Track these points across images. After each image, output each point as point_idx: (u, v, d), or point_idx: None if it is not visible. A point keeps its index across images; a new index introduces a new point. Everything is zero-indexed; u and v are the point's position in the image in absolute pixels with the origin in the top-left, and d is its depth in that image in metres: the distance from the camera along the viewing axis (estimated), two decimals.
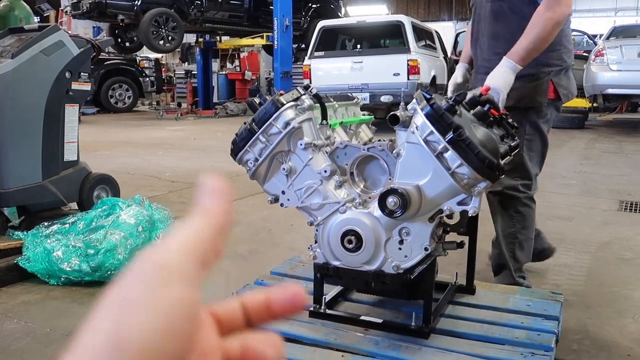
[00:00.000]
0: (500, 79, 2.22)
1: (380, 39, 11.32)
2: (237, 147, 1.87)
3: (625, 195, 4.85)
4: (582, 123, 11.38)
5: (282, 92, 1.87)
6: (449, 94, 2.53)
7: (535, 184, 2.55)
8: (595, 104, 12.35)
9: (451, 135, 1.57)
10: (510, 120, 1.99)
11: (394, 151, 1.71)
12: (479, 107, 1.75)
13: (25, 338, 2.20)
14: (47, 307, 2.49)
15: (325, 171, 1.81)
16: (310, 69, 9.95)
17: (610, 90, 9.78)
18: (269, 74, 17.23)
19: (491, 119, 1.77)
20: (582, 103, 13.15)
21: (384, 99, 9.39)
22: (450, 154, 1.59)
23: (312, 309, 2.01)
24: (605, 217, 4.14)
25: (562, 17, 2.24)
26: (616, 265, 3.08)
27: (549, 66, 2.41)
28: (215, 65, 17.55)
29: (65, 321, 2.34)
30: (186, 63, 19.30)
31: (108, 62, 14.88)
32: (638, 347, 2.12)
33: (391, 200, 1.64)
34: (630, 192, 4.95)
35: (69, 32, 3.69)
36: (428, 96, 1.63)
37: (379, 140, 1.88)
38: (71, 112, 3.62)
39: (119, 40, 12.99)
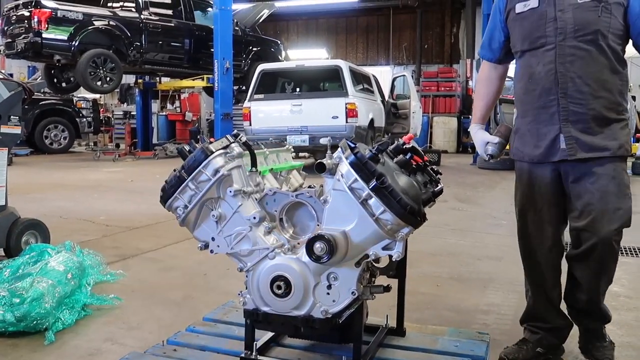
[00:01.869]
0: None
1: (319, 83, 11.54)
2: (167, 194, 1.89)
3: None
4: (513, 165, 11.80)
5: (212, 139, 1.91)
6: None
7: None
8: None
9: (374, 183, 1.63)
10: (433, 167, 2.08)
11: (321, 198, 1.76)
12: (401, 155, 1.82)
13: None
14: None
15: (255, 217, 1.84)
16: (250, 111, 10.02)
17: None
18: (210, 115, 17.23)
19: (414, 166, 1.85)
20: None
21: (323, 141, 9.50)
22: (374, 201, 1.65)
23: (243, 355, 2.00)
24: None
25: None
26: None
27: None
28: (155, 106, 17.43)
29: None
30: (125, 104, 19.07)
31: (43, 102, 14.54)
32: None
33: (318, 246, 1.68)
34: None
35: (3, 71, 3.62)
36: (352, 145, 1.70)
37: (310, 186, 1.92)
38: None
39: (55, 80, 12.75)
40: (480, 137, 2.42)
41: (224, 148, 1.86)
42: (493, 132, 2.42)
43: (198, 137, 16.07)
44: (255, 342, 2.01)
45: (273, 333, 2.15)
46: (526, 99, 2.25)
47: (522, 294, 3.34)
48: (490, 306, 3.14)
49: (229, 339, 2.23)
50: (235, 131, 1.98)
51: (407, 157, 1.81)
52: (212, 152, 1.83)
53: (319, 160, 1.73)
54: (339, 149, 1.73)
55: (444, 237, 4.84)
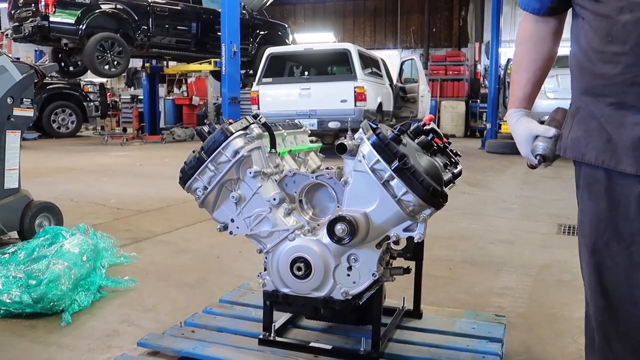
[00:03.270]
0: None
1: (328, 66, 11.48)
2: (186, 176, 1.88)
3: (563, 218, 5.03)
4: None
5: (231, 120, 1.89)
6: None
7: None
8: None
9: (396, 164, 1.61)
10: (452, 148, 2.06)
11: (342, 179, 1.74)
12: (423, 136, 1.81)
13: None
14: None
15: (274, 199, 1.83)
16: (258, 95, 9.99)
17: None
18: (217, 100, 17.21)
19: (435, 147, 1.84)
20: None
21: (332, 125, 9.51)
22: (396, 182, 1.63)
23: (261, 336, 2.01)
24: (545, 241, 4.28)
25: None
26: (556, 287, 3.19)
27: None
28: (162, 90, 17.39)
29: (5, 355, 2.25)
30: (132, 88, 19.06)
31: (51, 87, 14.56)
32: None
33: (339, 228, 1.67)
34: (568, 215, 5.15)
35: (10, 56, 3.61)
36: (374, 126, 1.68)
37: (327, 168, 1.91)
38: (12, 138, 3.54)
39: (63, 64, 12.73)
40: (524, 128, 1.60)
41: (244, 129, 1.84)
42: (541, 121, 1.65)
43: (205, 121, 16.04)
44: (273, 324, 2.02)
45: (290, 315, 2.15)
46: (600, 68, 1.37)
47: (536, 278, 3.36)
48: (505, 289, 3.13)
49: (247, 320, 2.23)
50: (255, 109, 1.96)
51: (429, 138, 1.79)
52: (232, 133, 1.81)
53: (339, 141, 1.71)
54: (360, 130, 1.71)
55: (455, 221, 4.83)
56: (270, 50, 10.42)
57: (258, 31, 14.36)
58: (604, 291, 1.37)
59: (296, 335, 2.10)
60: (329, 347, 1.94)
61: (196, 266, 3.51)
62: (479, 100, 17.97)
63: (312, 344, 1.96)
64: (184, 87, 18.52)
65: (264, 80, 10.11)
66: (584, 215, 1.43)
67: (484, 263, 3.66)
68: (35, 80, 3.65)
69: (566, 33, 1.59)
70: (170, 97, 18.12)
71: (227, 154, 1.81)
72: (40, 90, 13.84)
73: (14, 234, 3.75)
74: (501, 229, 4.63)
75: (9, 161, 3.53)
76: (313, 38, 20.51)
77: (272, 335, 2.00)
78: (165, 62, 15.45)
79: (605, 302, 1.37)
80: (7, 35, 12.69)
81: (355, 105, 9.40)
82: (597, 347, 1.40)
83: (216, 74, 14.35)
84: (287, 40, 14.99)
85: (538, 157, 1.53)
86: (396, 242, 1.85)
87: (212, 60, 13.39)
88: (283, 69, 10.86)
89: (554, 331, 2.56)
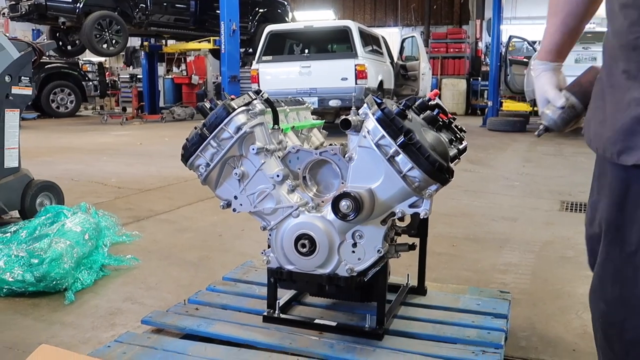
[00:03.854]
0: None
1: (328, 44, 11.39)
2: (188, 153, 1.85)
3: (566, 195, 5.02)
4: (523, 126, 11.74)
5: (233, 96, 1.87)
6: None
7: None
8: (535, 108, 12.77)
9: (402, 139, 1.59)
10: (457, 124, 2.03)
11: (346, 155, 1.72)
12: (428, 111, 1.78)
13: None
14: None
15: (278, 175, 1.81)
16: (258, 74, 9.92)
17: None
18: (216, 78, 17.11)
19: (440, 123, 1.81)
20: (523, 107, 13.60)
21: (332, 103, 9.46)
22: (401, 158, 1.61)
23: (265, 313, 2.00)
24: (548, 217, 4.27)
25: None
26: (559, 264, 3.19)
27: None
28: (161, 69, 17.28)
29: (8, 334, 2.25)
30: (131, 67, 18.94)
31: (49, 66, 14.46)
32: (582, 342, 2.20)
33: (344, 204, 1.65)
34: (570, 192, 5.13)
35: (8, 35, 3.56)
36: (379, 101, 1.65)
37: (330, 145, 1.89)
38: (11, 117, 3.51)
39: (60, 43, 12.63)
40: (540, 86, 1.39)
41: (246, 105, 1.81)
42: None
43: (205, 99, 15.98)
44: (277, 301, 2.01)
45: (294, 292, 2.14)
46: (616, 21, 1.09)
47: (539, 255, 3.35)
48: (508, 266, 3.12)
49: (250, 297, 2.23)
50: (255, 87, 1.93)
51: (434, 113, 1.76)
52: (234, 109, 1.78)
53: (343, 117, 1.68)
54: (365, 105, 1.68)
55: (457, 198, 4.81)
56: (270, 28, 10.33)
57: (257, 9, 14.23)
58: (599, 288, 1.19)
59: (300, 312, 2.10)
60: (333, 323, 1.93)
61: (198, 244, 3.50)
62: (480, 78, 17.91)
63: (316, 321, 1.96)
64: (183, 66, 18.42)
65: (264, 58, 10.03)
66: (593, 199, 1.22)
67: (486, 240, 3.65)
68: (34, 58, 3.61)
69: None
70: (170, 76, 18.02)
71: (229, 130, 1.78)
72: (38, 70, 13.76)
73: (15, 213, 3.74)
74: (503, 206, 4.61)
75: (9, 140, 3.51)
76: (313, 16, 20.36)
77: (277, 312, 1.99)
78: (164, 41, 15.33)
79: (596, 301, 1.21)
80: (3, 14, 12.57)
81: (356, 83, 9.34)
82: (600, 345, 1.24)
83: (215, 53, 14.24)
84: (286, 18, 14.87)
85: (541, 126, 1.35)
86: (401, 219, 1.83)
87: (212, 38, 13.28)
88: (283, 47, 10.78)
89: (557, 307, 2.56)
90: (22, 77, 3.52)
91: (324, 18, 20.26)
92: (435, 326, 1.97)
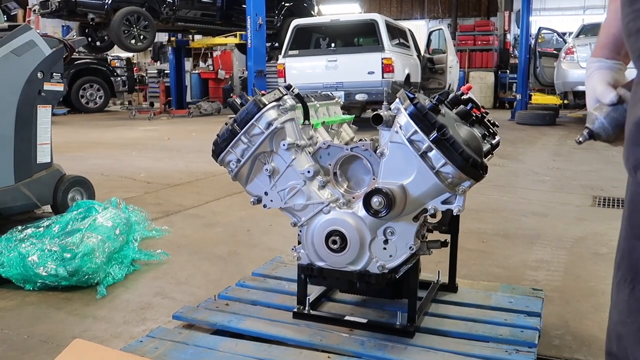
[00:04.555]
0: None
1: (354, 38, 11.34)
2: (219, 148, 1.85)
3: (597, 190, 4.93)
4: (553, 120, 11.56)
5: (263, 92, 1.86)
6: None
7: None
8: (566, 101, 12.58)
9: (435, 135, 1.57)
10: (490, 118, 2.00)
11: (378, 151, 1.70)
12: (461, 106, 1.75)
13: (1, 345, 2.14)
14: (23, 313, 2.43)
15: (309, 171, 1.80)
16: (284, 68, 9.92)
17: (581, 87, 9.95)
18: (243, 73, 17.17)
19: (473, 117, 1.78)
20: (553, 100, 13.38)
21: (359, 97, 9.42)
22: (434, 153, 1.59)
23: (295, 310, 2.00)
24: (579, 213, 4.20)
25: None
26: (592, 260, 3.12)
27: None
28: (187, 64, 17.41)
29: (42, 327, 2.28)
30: (158, 62, 19.11)
31: (78, 62, 14.66)
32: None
33: (376, 200, 1.63)
34: (602, 187, 5.03)
35: (38, 32, 3.61)
36: (411, 96, 1.63)
37: (361, 140, 1.87)
38: (44, 113, 3.55)
39: (90, 39, 12.80)
40: (590, 85, 1.20)
41: (277, 100, 1.81)
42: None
43: (231, 95, 16.05)
44: (307, 297, 2.00)
45: (324, 288, 2.14)
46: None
47: (571, 251, 3.29)
48: (539, 262, 3.07)
49: (280, 293, 2.23)
50: (282, 82, 1.92)
51: (468, 107, 1.74)
52: (265, 105, 1.78)
53: (375, 112, 1.67)
54: (397, 100, 1.66)
55: (487, 193, 4.75)
56: (296, 22, 10.31)
57: (283, 3, 14.24)
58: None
59: (330, 309, 2.09)
60: (364, 320, 1.92)
61: (227, 239, 3.52)
62: (508, 71, 17.67)
63: (347, 318, 1.95)
64: (209, 61, 18.51)
65: (290, 52, 10.03)
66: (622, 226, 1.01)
67: (517, 236, 3.60)
68: (65, 55, 3.66)
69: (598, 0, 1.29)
70: (196, 71, 18.13)
71: (260, 126, 1.78)
72: (68, 66, 13.94)
73: (48, 208, 3.79)
74: (533, 201, 4.54)
75: (41, 136, 3.55)
76: (338, 9, 20.28)
77: (307, 308, 1.99)
78: (190, 36, 15.43)
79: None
80: (34, 11, 12.77)
81: (383, 77, 9.28)
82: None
83: (242, 47, 14.29)
84: (312, 12, 14.84)
85: (586, 131, 1.15)
86: (433, 215, 1.81)
87: (238, 33, 13.32)
88: (309, 41, 10.75)
89: (591, 305, 2.51)
90: (54, 74, 3.56)
91: (349, 11, 20.17)
92: (467, 324, 1.95)
